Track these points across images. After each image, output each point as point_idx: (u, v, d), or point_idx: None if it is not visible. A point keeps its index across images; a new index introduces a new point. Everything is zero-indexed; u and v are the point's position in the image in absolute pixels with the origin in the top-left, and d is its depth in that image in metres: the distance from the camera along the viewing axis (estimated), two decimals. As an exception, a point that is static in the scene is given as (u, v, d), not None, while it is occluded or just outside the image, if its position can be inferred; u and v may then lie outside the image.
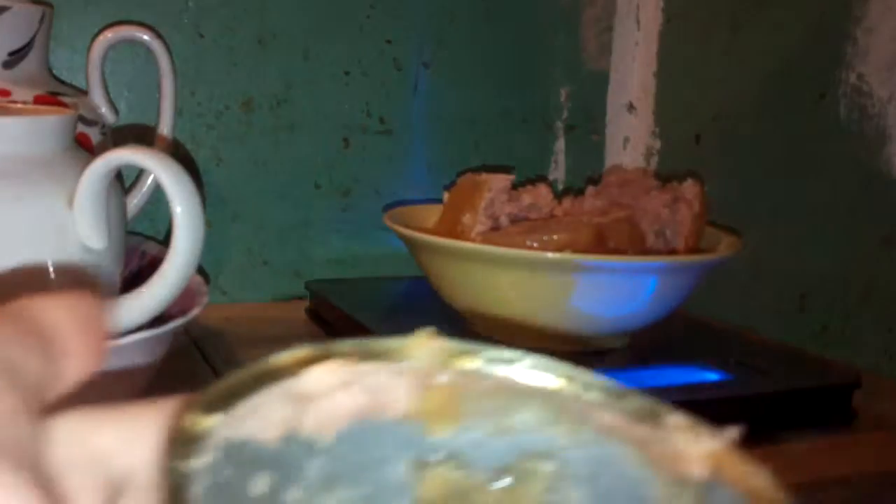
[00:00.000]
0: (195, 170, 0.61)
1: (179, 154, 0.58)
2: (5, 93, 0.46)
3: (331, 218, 0.68)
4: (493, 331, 0.50)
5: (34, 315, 0.15)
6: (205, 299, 0.41)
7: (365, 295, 0.63)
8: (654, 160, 0.74)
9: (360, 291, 0.63)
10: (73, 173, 0.35)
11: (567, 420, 0.18)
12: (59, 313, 0.16)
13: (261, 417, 0.16)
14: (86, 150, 0.42)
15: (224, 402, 0.15)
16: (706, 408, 0.40)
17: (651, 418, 0.17)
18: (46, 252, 0.34)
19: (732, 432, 0.17)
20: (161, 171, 0.34)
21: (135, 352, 0.35)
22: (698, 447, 0.17)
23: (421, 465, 0.18)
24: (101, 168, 0.34)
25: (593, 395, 0.18)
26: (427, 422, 0.18)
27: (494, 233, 0.51)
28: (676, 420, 0.17)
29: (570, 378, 0.18)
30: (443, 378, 0.18)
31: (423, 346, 0.18)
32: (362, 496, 0.18)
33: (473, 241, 0.50)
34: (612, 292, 0.48)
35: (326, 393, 0.17)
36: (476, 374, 0.18)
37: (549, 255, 0.46)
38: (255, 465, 0.16)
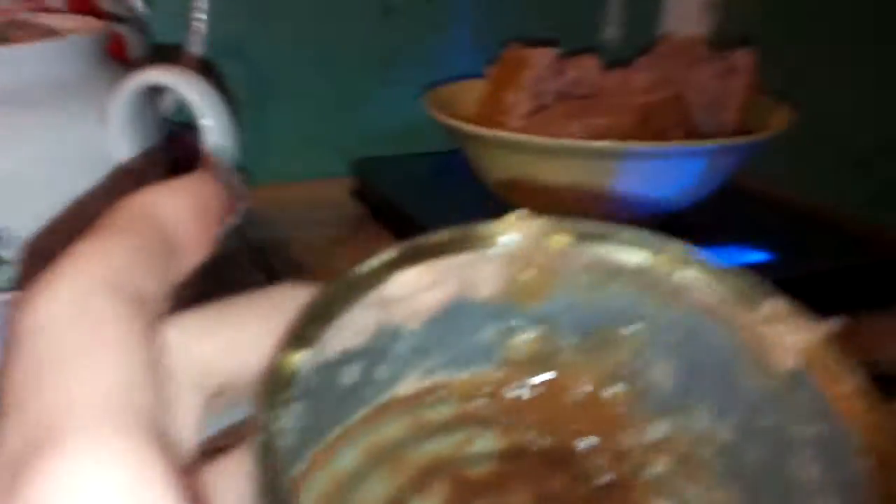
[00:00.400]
0: (225, 88, 0.60)
1: (209, 71, 0.57)
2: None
3: (373, 91, 0.67)
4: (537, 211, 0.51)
5: (155, 212, 0.16)
6: (245, 204, 0.41)
7: (409, 172, 0.63)
8: (713, 21, 0.70)
9: (404, 168, 0.63)
10: (105, 93, 0.35)
11: (659, 296, 0.18)
12: (178, 203, 0.17)
13: (350, 331, 0.16)
14: (119, 52, 0.42)
15: (314, 327, 0.15)
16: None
17: (749, 301, 0.17)
18: (83, 173, 0.34)
19: (831, 324, 0.16)
20: (190, 92, 0.34)
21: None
22: (792, 337, 0.17)
23: (508, 330, 0.19)
24: (132, 88, 0.34)
25: (690, 273, 0.18)
26: (517, 299, 0.19)
27: (538, 116, 0.50)
28: (775, 305, 0.17)
29: (665, 254, 0.18)
30: (533, 258, 0.18)
31: (514, 227, 0.18)
32: (448, 360, 0.19)
33: (517, 126, 0.49)
34: (655, 176, 0.47)
35: (415, 294, 0.17)
36: (567, 252, 0.18)
37: (592, 144, 0.45)
38: (345, 362, 0.16)
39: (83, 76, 0.36)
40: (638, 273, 0.18)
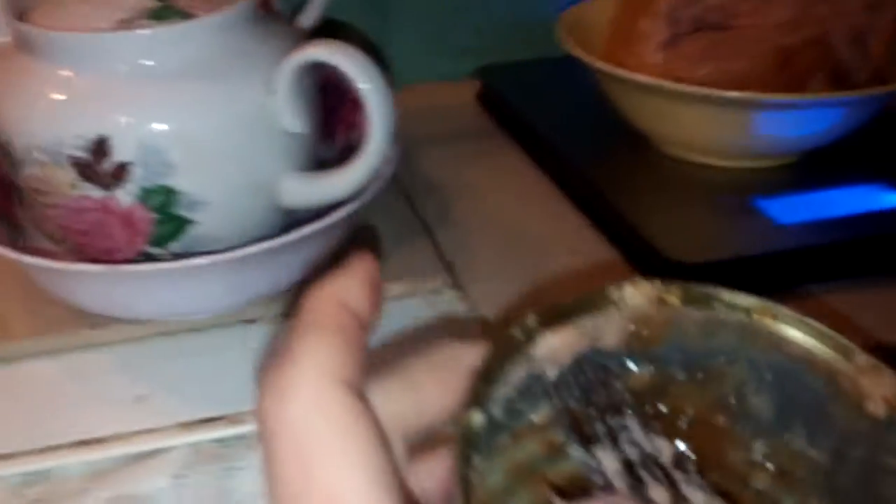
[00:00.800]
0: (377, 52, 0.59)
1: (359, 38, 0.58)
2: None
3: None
4: (671, 148, 0.52)
5: (348, 303, 0.20)
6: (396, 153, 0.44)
7: (536, 79, 0.63)
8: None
9: (531, 75, 0.64)
10: (270, 57, 0.37)
11: (758, 344, 0.22)
12: (359, 290, 0.21)
13: (506, 385, 0.21)
14: (266, 6, 0.43)
15: (484, 390, 0.20)
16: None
17: (842, 353, 0.21)
18: (257, 139, 0.37)
19: None
20: (352, 68, 0.36)
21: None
22: (882, 387, 0.20)
23: (624, 370, 0.23)
24: (295, 64, 0.36)
25: (785, 328, 0.21)
26: (636, 348, 0.23)
27: (672, 51, 0.50)
28: (864, 359, 0.20)
29: (762, 313, 0.21)
30: (650, 318, 0.22)
31: (635, 292, 0.22)
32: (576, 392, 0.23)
33: (651, 61, 0.49)
34: (793, 123, 0.47)
35: (555, 353, 0.22)
36: (679, 311, 0.22)
37: (726, 94, 0.45)
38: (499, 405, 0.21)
39: (250, 41, 0.38)
40: (740, 325, 0.22)
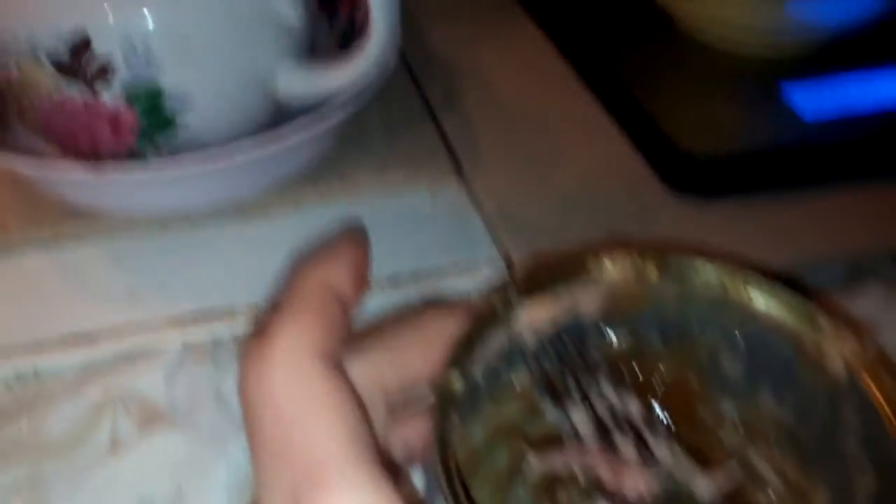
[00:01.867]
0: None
1: None
2: None
3: None
4: (697, 29, 0.49)
5: (330, 283, 0.21)
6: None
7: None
8: None
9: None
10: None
11: (731, 313, 0.23)
12: (343, 271, 0.22)
13: (486, 351, 0.22)
14: None
15: (463, 356, 0.21)
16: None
17: (808, 320, 0.22)
18: (243, 31, 0.35)
19: (876, 340, 0.21)
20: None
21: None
22: (840, 348, 0.21)
23: (604, 334, 0.25)
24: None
25: (754, 294, 0.23)
26: (614, 317, 0.24)
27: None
28: (826, 322, 0.22)
29: (736, 283, 0.23)
30: (630, 287, 0.23)
31: (614, 261, 0.23)
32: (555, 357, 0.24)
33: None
34: (827, 6, 0.43)
35: (534, 322, 0.23)
36: (657, 282, 0.23)
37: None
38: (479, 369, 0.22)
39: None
40: (714, 297, 0.23)
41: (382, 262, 0.40)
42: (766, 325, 0.23)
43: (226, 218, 0.42)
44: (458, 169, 0.45)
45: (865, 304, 0.38)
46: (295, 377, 0.19)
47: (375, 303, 0.38)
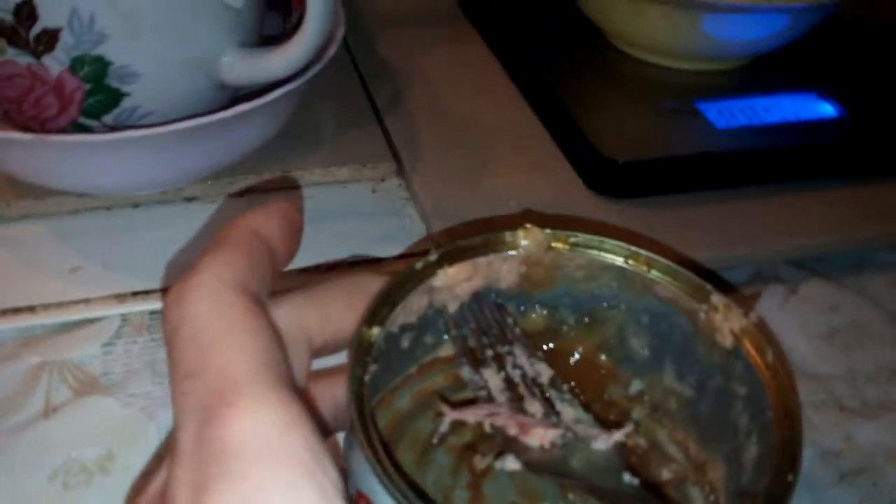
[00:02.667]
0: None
1: None
2: None
3: None
4: (626, 46, 0.52)
5: (259, 230, 0.22)
6: (340, 33, 0.44)
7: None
8: None
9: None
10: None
11: (634, 288, 0.25)
12: (273, 223, 0.22)
13: (408, 311, 0.24)
14: None
15: (384, 310, 0.22)
16: (816, 153, 0.42)
17: (700, 295, 0.24)
18: (190, 12, 0.37)
19: (756, 315, 0.23)
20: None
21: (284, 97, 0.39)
22: (730, 323, 0.23)
23: (520, 311, 0.27)
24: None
25: (655, 273, 0.24)
26: (528, 289, 0.26)
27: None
28: (718, 299, 0.23)
29: (637, 258, 0.24)
30: (541, 259, 0.25)
31: (528, 236, 0.25)
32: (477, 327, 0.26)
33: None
34: (743, 26, 0.47)
35: (454, 285, 0.25)
36: (566, 255, 0.25)
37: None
38: (404, 332, 0.24)
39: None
40: (618, 271, 0.25)
41: (323, 250, 0.42)
42: (665, 300, 0.24)
43: (171, 203, 0.44)
44: (400, 168, 0.48)
45: (765, 304, 0.40)
46: (213, 303, 0.19)
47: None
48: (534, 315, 0.27)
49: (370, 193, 0.47)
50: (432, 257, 0.24)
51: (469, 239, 0.24)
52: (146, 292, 0.39)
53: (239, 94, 0.43)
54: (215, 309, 0.19)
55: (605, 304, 0.26)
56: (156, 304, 0.38)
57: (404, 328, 0.24)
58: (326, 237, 0.43)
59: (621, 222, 0.43)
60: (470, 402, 0.25)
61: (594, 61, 0.52)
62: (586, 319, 0.26)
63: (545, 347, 0.27)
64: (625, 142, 0.45)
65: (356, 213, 0.45)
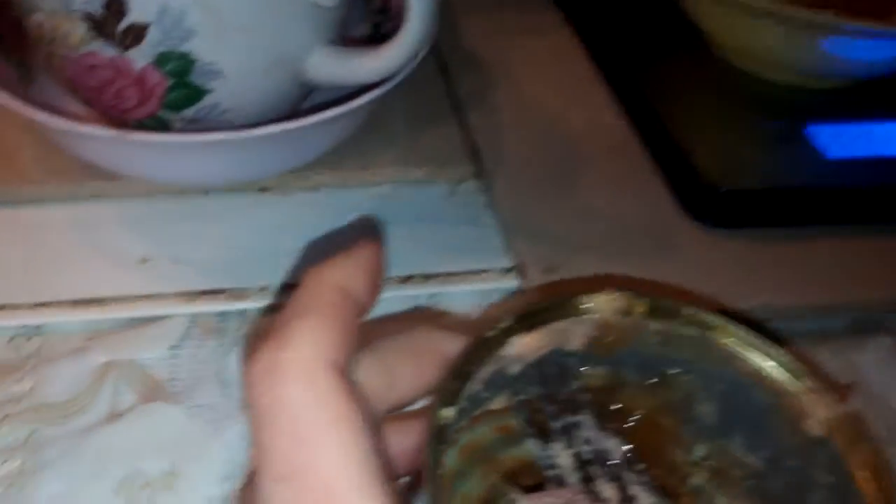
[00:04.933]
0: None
1: None
2: None
3: None
4: (732, 55, 0.49)
5: (346, 287, 0.21)
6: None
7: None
8: None
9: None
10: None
11: (712, 358, 0.23)
12: (359, 275, 0.21)
13: (477, 381, 0.22)
14: None
15: (456, 387, 0.21)
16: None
17: (792, 374, 0.22)
18: (279, 11, 0.35)
19: (855, 404, 0.21)
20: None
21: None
22: (823, 409, 0.22)
23: (582, 370, 0.25)
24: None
25: (743, 348, 0.23)
26: (597, 352, 0.24)
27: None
28: (810, 382, 0.22)
29: (719, 331, 0.23)
30: (615, 326, 0.24)
31: (603, 301, 0.24)
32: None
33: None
34: (866, 48, 0.43)
35: (527, 354, 0.23)
36: (642, 323, 0.24)
37: (797, 14, 0.41)
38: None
39: None
40: (699, 340, 0.23)
41: (393, 258, 0.40)
42: (746, 373, 0.23)
43: (244, 193, 0.42)
44: (479, 170, 0.45)
45: (867, 357, 0.38)
46: (310, 387, 0.18)
47: (386, 296, 0.38)
48: (593, 373, 0.25)
49: (447, 196, 0.45)
50: (505, 323, 0.22)
51: (544, 302, 0.23)
52: (214, 292, 0.37)
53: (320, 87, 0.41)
54: (313, 396, 0.18)
55: (675, 370, 0.24)
56: (224, 306, 0.37)
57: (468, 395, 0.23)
58: (399, 242, 0.41)
59: (715, 253, 0.40)
60: (525, 469, 0.24)
61: (695, 69, 0.49)
62: (653, 380, 0.25)
63: (604, 402, 0.25)
64: (726, 165, 0.42)
65: (431, 217, 0.43)
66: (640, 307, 0.23)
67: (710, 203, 0.41)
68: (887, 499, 0.20)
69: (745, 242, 0.41)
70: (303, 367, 0.18)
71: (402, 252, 0.41)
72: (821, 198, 0.41)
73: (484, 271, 0.40)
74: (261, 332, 0.35)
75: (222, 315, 0.37)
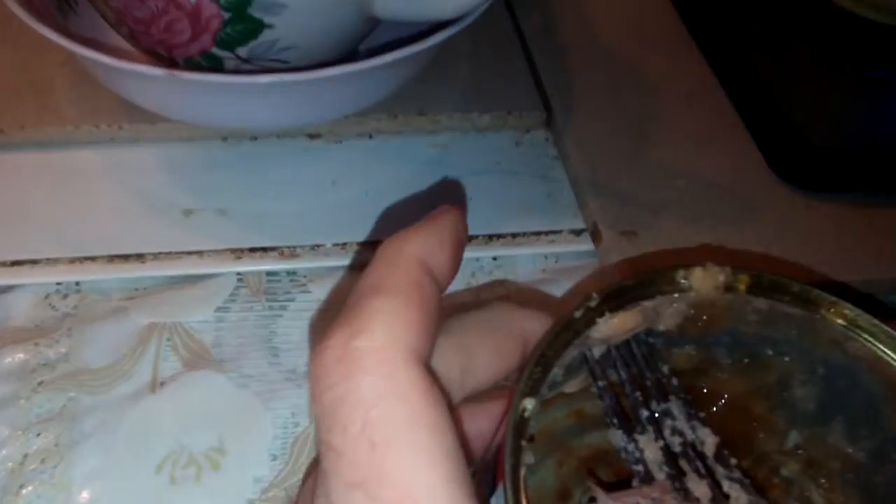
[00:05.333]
0: None
1: None
2: None
3: None
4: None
5: (427, 263, 0.18)
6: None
7: None
8: None
9: None
10: None
11: (817, 339, 0.21)
12: (441, 249, 0.19)
13: (561, 367, 0.20)
14: None
15: (538, 372, 0.19)
16: None
17: None
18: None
19: None
20: None
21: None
22: None
23: (670, 350, 0.23)
24: None
25: (857, 331, 0.20)
26: (691, 332, 0.22)
27: None
28: None
29: (831, 311, 0.21)
30: (713, 303, 0.21)
31: (700, 276, 0.21)
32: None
33: None
34: None
35: (616, 336, 0.21)
36: (742, 298, 0.21)
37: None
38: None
39: None
40: (805, 320, 0.21)
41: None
42: (858, 356, 0.21)
43: (293, 139, 0.39)
44: (549, 117, 0.42)
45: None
46: (389, 382, 0.16)
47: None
48: (681, 353, 0.23)
49: (513, 146, 0.41)
50: (593, 302, 0.20)
51: (635, 277, 0.21)
52: (264, 249, 0.34)
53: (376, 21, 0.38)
54: (392, 391, 0.16)
55: (770, 350, 0.22)
56: (274, 265, 0.34)
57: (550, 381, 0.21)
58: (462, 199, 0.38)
59: (808, 218, 0.37)
60: (602, 456, 0.22)
61: (788, 7, 0.45)
62: (745, 361, 0.23)
63: (693, 387, 0.23)
64: (823, 118, 0.38)
65: (496, 170, 0.40)
66: (743, 283, 0.21)
67: (804, 162, 0.37)
68: None
69: (842, 207, 0.37)
70: (379, 357, 0.16)
71: (466, 207, 0.38)
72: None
73: (553, 232, 0.37)
74: (331, 310, 0.33)
75: (272, 275, 0.34)
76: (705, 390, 0.23)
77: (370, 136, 0.40)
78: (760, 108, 0.40)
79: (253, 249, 0.34)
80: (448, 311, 0.20)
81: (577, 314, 0.20)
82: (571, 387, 0.22)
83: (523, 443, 0.18)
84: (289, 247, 0.35)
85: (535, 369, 0.19)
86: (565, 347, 0.20)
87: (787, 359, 0.22)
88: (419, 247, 0.18)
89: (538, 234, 0.37)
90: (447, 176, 0.39)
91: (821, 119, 0.38)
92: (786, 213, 0.37)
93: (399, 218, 0.37)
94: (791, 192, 0.38)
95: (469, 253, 0.36)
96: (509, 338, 0.20)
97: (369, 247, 0.35)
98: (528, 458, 0.22)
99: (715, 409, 0.23)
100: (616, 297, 0.20)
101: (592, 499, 0.21)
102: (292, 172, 0.38)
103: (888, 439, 0.21)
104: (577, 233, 0.37)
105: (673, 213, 0.36)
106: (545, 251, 0.37)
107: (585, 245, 0.37)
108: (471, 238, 0.36)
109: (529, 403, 0.18)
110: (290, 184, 0.37)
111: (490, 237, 0.37)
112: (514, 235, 0.37)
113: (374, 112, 0.40)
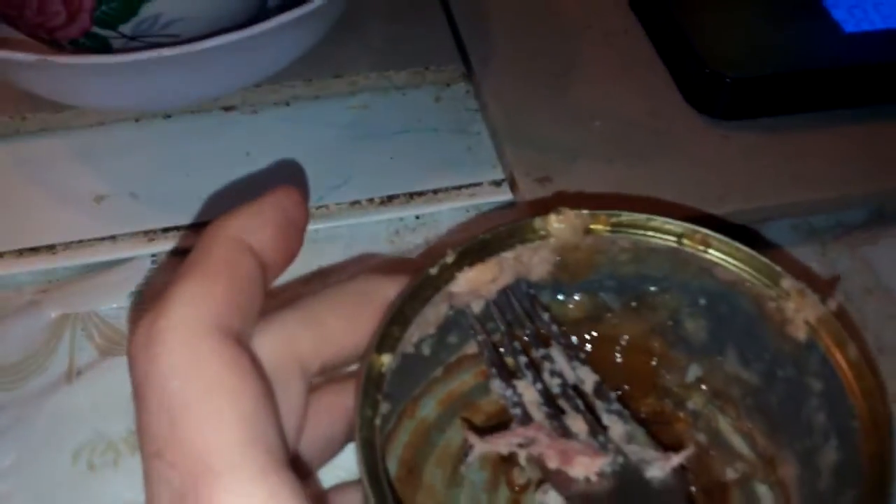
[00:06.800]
0: None
1: None
2: None
3: None
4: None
5: (247, 240, 0.18)
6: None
7: None
8: None
9: None
10: None
11: (689, 270, 0.21)
12: (266, 227, 0.18)
13: (423, 324, 0.20)
14: None
15: (396, 331, 0.19)
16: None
17: (768, 279, 0.20)
18: None
19: (835, 303, 0.20)
20: None
21: None
22: (804, 313, 0.20)
23: (558, 300, 0.23)
24: None
25: (715, 254, 0.21)
26: (565, 278, 0.22)
27: None
28: (789, 283, 0.20)
29: (692, 238, 0.21)
30: (579, 245, 0.21)
31: (560, 221, 0.21)
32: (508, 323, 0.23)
33: None
34: None
35: (477, 288, 0.21)
36: (607, 238, 0.21)
37: None
38: (422, 342, 0.21)
39: None
40: (670, 252, 0.21)
41: (374, 176, 0.37)
42: (726, 282, 0.21)
43: (208, 113, 0.39)
44: (468, 71, 0.41)
45: (886, 253, 0.34)
46: (188, 359, 0.16)
47: (367, 221, 0.35)
48: (571, 303, 0.23)
49: (433, 102, 0.41)
50: (449, 258, 0.20)
51: (492, 230, 0.21)
52: (178, 228, 0.34)
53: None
54: (190, 363, 0.16)
55: (654, 288, 0.22)
56: (192, 243, 0.34)
57: (422, 340, 0.21)
58: (381, 160, 0.38)
59: (724, 148, 0.36)
60: (502, 424, 0.22)
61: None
62: (633, 304, 0.23)
63: (587, 336, 0.24)
64: (734, 50, 0.37)
65: (415, 128, 0.39)
66: (601, 223, 0.21)
67: (717, 94, 0.37)
68: (873, 398, 0.18)
69: (756, 134, 0.37)
70: (178, 334, 0.16)
71: (384, 169, 0.37)
72: (838, 78, 0.37)
73: (474, 185, 0.37)
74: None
75: (185, 254, 0.34)
76: (604, 336, 0.24)
77: (287, 104, 0.40)
78: (675, 45, 0.39)
79: (166, 229, 0.34)
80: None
81: (433, 270, 0.20)
82: (472, 349, 0.22)
83: (379, 396, 0.18)
84: (205, 224, 0.34)
85: (390, 327, 0.19)
86: (424, 304, 0.20)
87: (668, 295, 0.22)
88: (236, 226, 0.18)
89: (459, 188, 0.37)
90: (369, 137, 0.39)
91: (734, 51, 0.38)
92: (701, 144, 0.37)
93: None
94: (707, 123, 0.37)
95: (391, 212, 0.36)
96: (367, 304, 0.19)
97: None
98: (429, 415, 0.23)
99: (618, 353, 0.24)
100: (477, 251, 0.21)
101: (468, 445, 0.21)
102: (206, 148, 0.37)
103: (772, 358, 0.21)
104: (498, 183, 0.37)
105: (590, 156, 0.36)
106: (466, 204, 0.36)
107: (506, 195, 0.36)
108: (392, 198, 0.36)
109: (384, 358, 0.18)
110: (203, 159, 0.37)
111: (411, 195, 0.36)
112: (435, 192, 0.37)
113: (288, 78, 0.39)
